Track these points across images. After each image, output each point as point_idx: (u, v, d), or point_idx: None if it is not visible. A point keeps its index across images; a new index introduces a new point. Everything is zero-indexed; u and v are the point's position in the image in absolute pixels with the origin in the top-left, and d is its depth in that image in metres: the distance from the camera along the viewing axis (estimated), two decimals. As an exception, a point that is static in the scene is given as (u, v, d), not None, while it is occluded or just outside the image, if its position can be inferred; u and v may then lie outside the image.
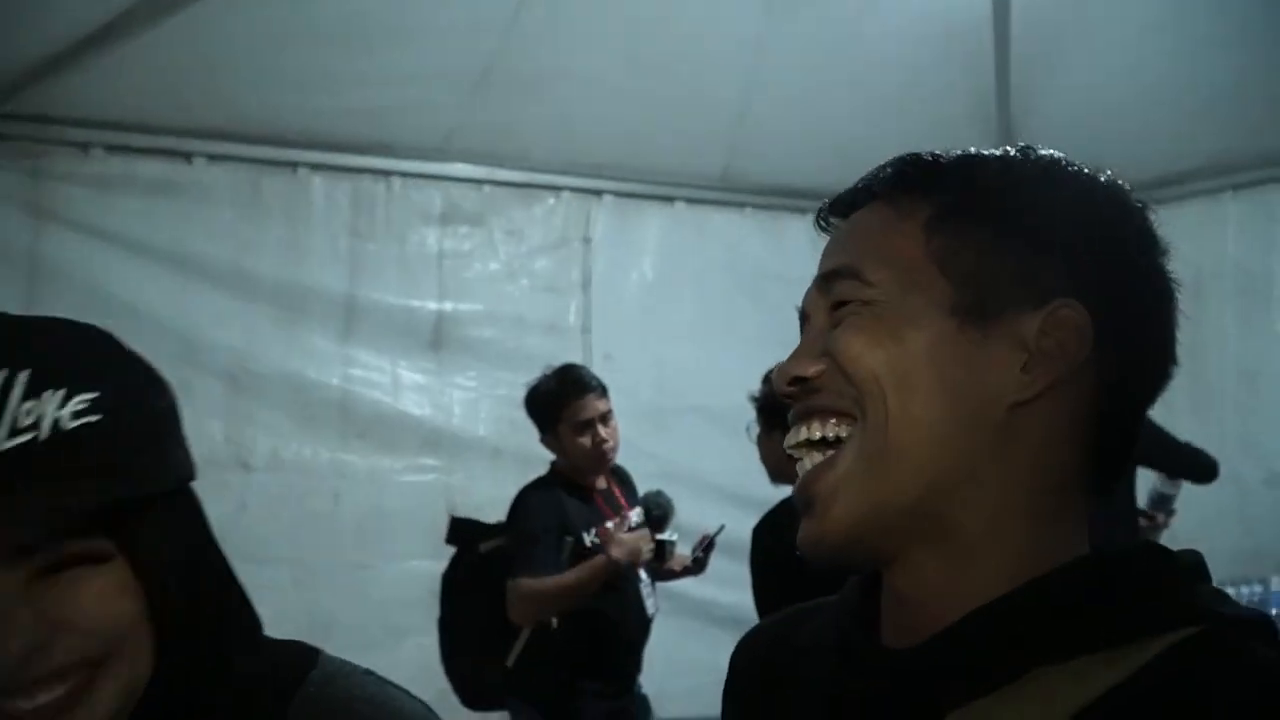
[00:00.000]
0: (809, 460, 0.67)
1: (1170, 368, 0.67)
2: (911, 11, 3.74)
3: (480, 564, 2.79)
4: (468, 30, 3.54)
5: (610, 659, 2.73)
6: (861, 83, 3.84)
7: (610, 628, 2.69)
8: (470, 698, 2.83)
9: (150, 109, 3.61)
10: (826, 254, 0.71)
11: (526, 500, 2.79)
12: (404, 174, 4.08)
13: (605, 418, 2.79)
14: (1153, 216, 0.69)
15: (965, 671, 0.61)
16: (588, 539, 2.72)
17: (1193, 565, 0.64)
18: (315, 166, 3.93)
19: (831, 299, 0.68)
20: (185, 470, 0.74)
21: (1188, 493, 3.50)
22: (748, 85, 3.92)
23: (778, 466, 2.47)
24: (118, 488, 0.66)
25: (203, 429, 3.69)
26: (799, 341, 0.71)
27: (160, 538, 0.70)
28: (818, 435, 0.66)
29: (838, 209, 0.73)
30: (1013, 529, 0.64)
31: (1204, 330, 4.08)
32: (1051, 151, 0.70)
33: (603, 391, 2.81)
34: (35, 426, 0.64)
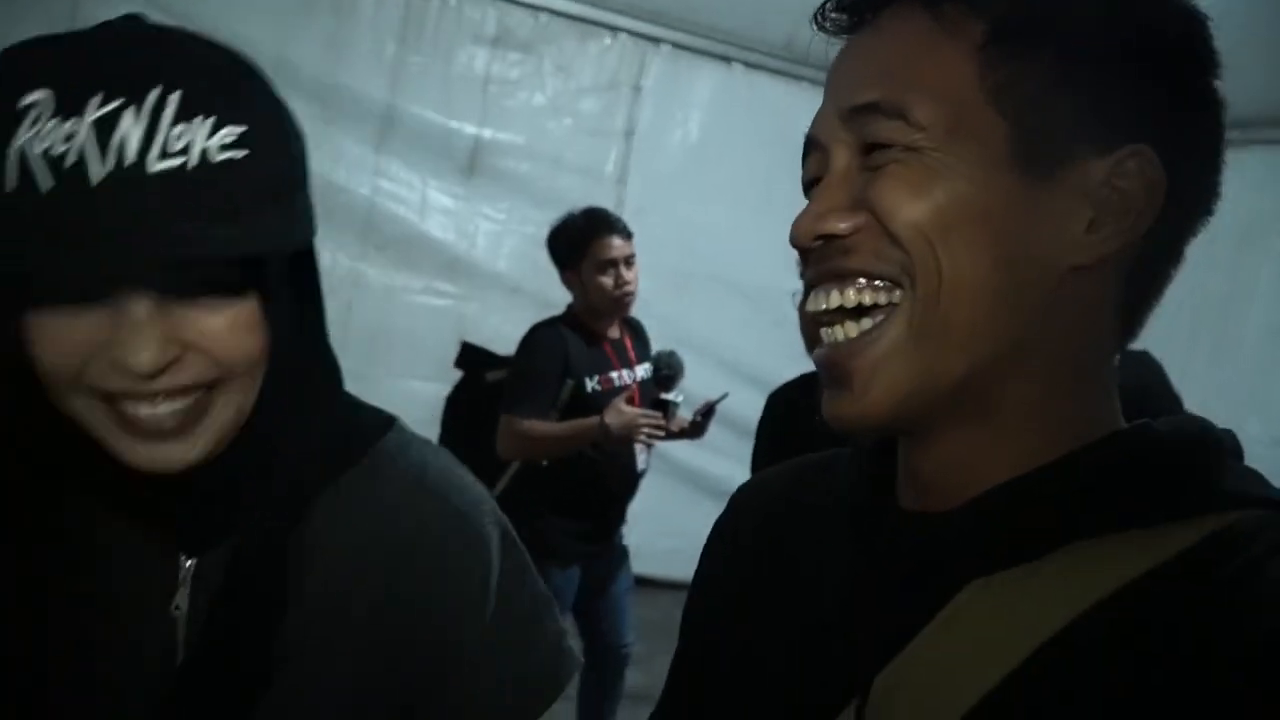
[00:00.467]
0: (841, 330, 0.60)
1: (1209, 214, 0.60)
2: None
3: (484, 392, 2.82)
4: None
5: (594, 504, 2.79)
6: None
7: (598, 474, 2.73)
8: (458, 518, 2.91)
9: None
10: (851, 73, 0.61)
11: (534, 337, 2.78)
12: (460, -13, 3.95)
13: (629, 261, 2.76)
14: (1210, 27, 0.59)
15: (993, 541, 0.57)
16: (589, 384, 2.74)
17: (1233, 445, 0.59)
18: (371, -35, 3.81)
19: (865, 138, 0.59)
20: (312, 223, 0.74)
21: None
22: (830, -49, 3.74)
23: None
24: (257, 234, 0.65)
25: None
26: (820, 181, 0.61)
27: (284, 282, 0.71)
28: (853, 302, 0.59)
29: (856, 6, 0.62)
30: (1054, 402, 0.59)
31: (1240, 281, 4.00)
32: None
33: (628, 235, 2.78)
34: (185, 152, 0.62)
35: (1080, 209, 0.56)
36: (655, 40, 4.24)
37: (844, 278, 0.59)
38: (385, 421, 0.86)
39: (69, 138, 0.61)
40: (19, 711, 0.71)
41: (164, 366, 0.65)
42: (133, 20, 0.69)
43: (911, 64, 0.58)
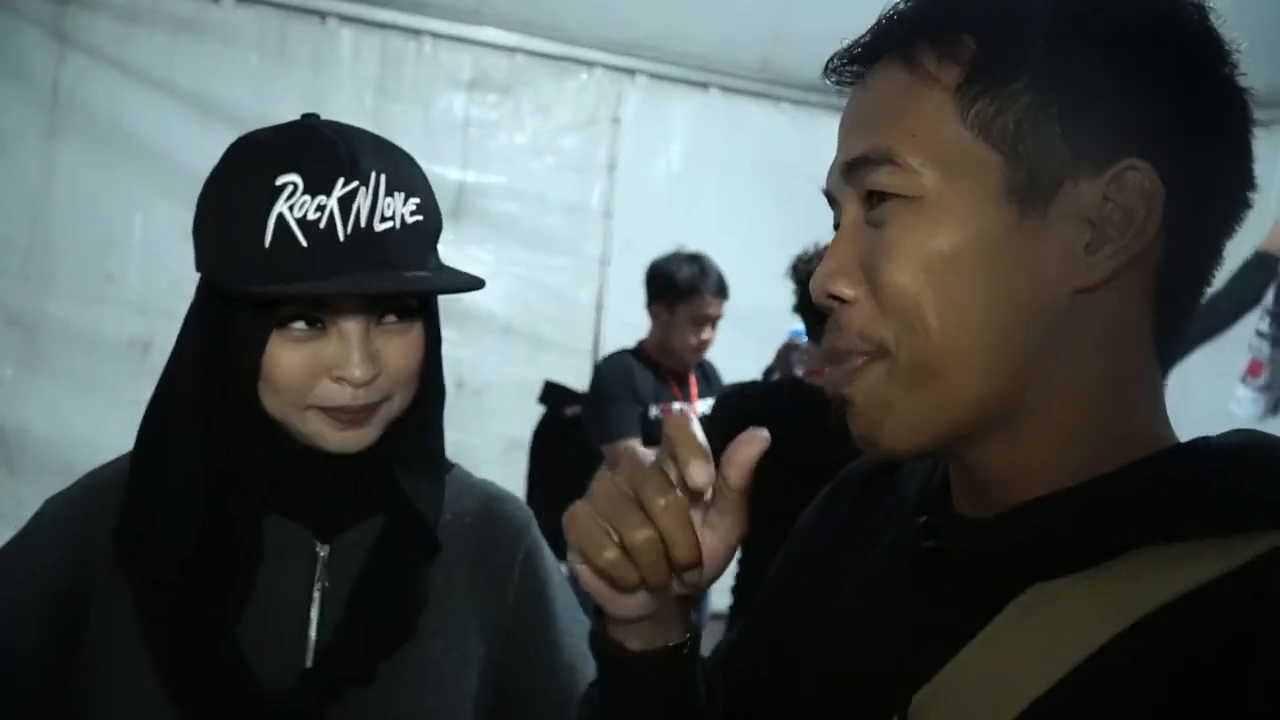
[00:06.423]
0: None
1: (1246, 206, 0.59)
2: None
3: (565, 426, 3.06)
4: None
5: None
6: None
7: None
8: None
9: (180, -58, 3.50)
10: (846, 129, 0.63)
11: (602, 366, 3.00)
12: (435, 34, 3.97)
13: (715, 322, 2.93)
14: (1215, 19, 0.57)
15: (1055, 546, 0.57)
16: (653, 411, 2.87)
17: None
18: (344, 18, 3.83)
19: (864, 188, 0.60)
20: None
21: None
22: (797, -27, 3.78)
23: None
24: (434, 270, 0.90)
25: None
26: (833, 236, 0.64)
27: (436, 315, 0.95)
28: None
29: (857, 60, 0.63)
30: (1091, 417, 0.59)
31: None
32: None
33: (726, 296, 2.95)
34: (393, 218, 0.85)
35: (1078, 232, 0.56)
36: (631, 72, 4.27)
37: (839, 355, 0.62)
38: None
39: (320, 209, 0.82)
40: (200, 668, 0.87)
41: (369, 380, 0.86)
42: (315, 118, 0.91)
43: (894, 114, 0.59)
